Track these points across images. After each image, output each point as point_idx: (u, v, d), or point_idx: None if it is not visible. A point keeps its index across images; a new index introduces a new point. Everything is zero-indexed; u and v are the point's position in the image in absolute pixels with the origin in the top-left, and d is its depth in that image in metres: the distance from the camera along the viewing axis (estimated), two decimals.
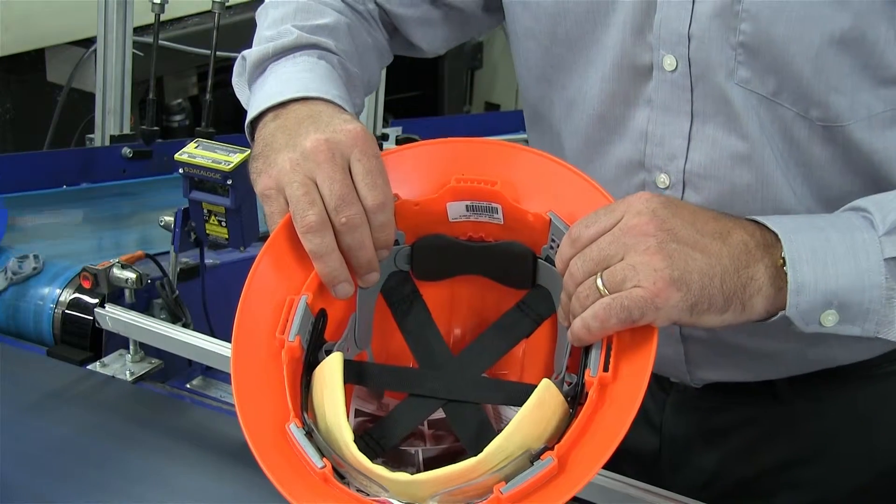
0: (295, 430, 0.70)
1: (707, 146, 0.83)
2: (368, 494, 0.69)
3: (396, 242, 0.82)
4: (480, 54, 3.61)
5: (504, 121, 2.81)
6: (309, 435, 0.71)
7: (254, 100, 0.88)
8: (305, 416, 0.73)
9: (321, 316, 0.78)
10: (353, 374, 0.80)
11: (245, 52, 0.93)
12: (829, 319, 0.70)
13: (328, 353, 0.77)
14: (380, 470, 0.68)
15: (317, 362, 0.76)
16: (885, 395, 0.98)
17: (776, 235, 0.70)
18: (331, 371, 0.74)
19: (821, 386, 0.96)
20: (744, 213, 0.74)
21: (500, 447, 0.67)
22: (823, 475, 0.99)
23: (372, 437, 0.77)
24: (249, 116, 0.86)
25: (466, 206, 0.81)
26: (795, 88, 0.78)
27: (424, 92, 3.45)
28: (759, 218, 0.72)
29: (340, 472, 0.70)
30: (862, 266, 0.69)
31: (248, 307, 0.76)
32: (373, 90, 1.02)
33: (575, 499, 0.66)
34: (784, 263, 0.69)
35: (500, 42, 3.61)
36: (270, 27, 0.93)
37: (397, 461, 0.79)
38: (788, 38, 0.76)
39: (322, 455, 0.70)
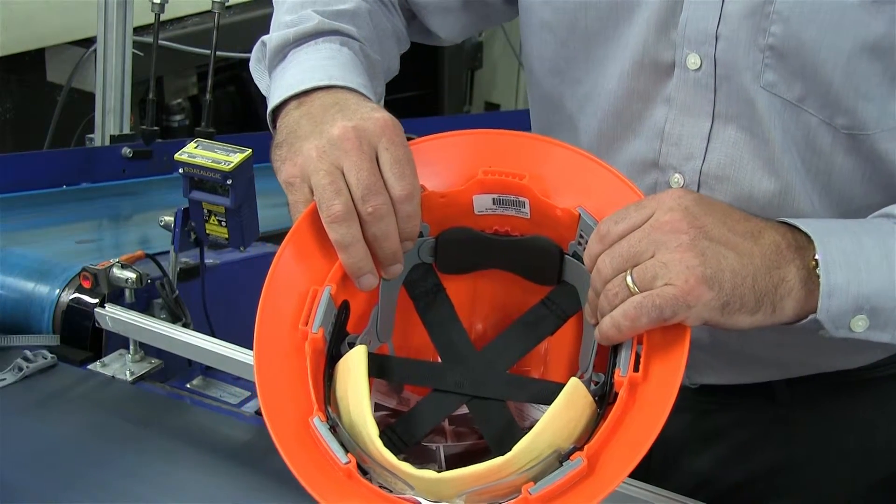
0: (319, 425, 0.70)
1: (727, 148, 0.82)
2: (392, 491, 0.68)
3: (421, 234, 0.81)
4: (480, 54, 3.61)
5: (504, 121, 2.80)
6: (333, 429, 0.70)
7: (275, 87, 0.87)
8: (329, 409, 0.72)
9: (344, 308, 0.77)
10: (376, 367, 0.79)
11: (265, 38, 0.92)
12: (860, 325, 0.69)
13: (350, 345, 0.76)
14: (405, 467, 0.68)
15: (339, 355, 0.76)
16: (883, 398, 0.97)
17: (808, 237, 0.69)
18: (355, 364, 0.73)
19: (818, 389, 0.95)
20: None
21: (528, 447, 0.66)
22: (818, 480, 0.98)
23: (395, 433, 0.77)
24: (271, 105, 0.85)
25: (493, 199, 0.80)
26: (823, 95, 0.77)
27: (424, 92, 3.44)
28: (789, 220, 0.71)
29: (363, 468, 0.70)
30: None
31: (271, 298, 0.75)
32: (392, 76, 1.01)
33: None
34: (816, 266, 0.68)
35: (500, 42, 3.61)
36: (290, 11, 0.91)
37: (419, 457, 0.79)
38: (819, 43, 0.75)
39: (346, 450, 0.69)
